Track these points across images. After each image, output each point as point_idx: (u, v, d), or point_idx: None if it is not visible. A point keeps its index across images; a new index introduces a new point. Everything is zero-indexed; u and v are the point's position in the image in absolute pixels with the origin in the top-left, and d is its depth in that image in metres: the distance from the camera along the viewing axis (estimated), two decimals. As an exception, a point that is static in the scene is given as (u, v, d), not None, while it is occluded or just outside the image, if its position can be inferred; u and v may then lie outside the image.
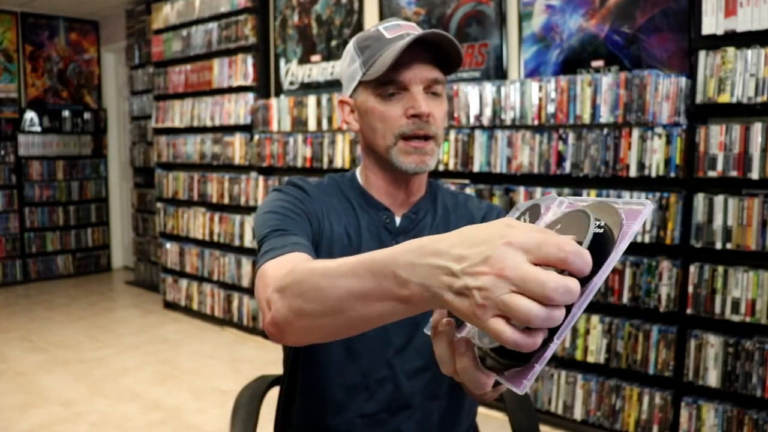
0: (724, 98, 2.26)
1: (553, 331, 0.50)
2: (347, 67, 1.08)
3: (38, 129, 5.98)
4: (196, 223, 4.62)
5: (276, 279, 0.76)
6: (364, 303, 0.60)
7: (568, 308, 0.49)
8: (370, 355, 1.04)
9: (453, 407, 1.11)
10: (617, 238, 0.51)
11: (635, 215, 0.53)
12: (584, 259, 0.47)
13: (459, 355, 0.55)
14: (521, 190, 2.83)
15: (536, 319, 0.46)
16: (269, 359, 3.75)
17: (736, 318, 2.28)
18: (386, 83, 1.01)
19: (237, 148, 4.26)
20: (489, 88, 2.91)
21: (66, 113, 6.18)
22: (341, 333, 0.69)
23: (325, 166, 3.67)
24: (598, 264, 0.50)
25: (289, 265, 0.79)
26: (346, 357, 1.04)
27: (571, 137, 2.67)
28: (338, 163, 3.62)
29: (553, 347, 0.49)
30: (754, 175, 2.22)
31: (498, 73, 3.07)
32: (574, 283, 0.46)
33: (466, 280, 0.49)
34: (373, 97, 1.03)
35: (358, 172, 1.15)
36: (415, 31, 1.03)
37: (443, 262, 0.51)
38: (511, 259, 0.47)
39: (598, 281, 0.50)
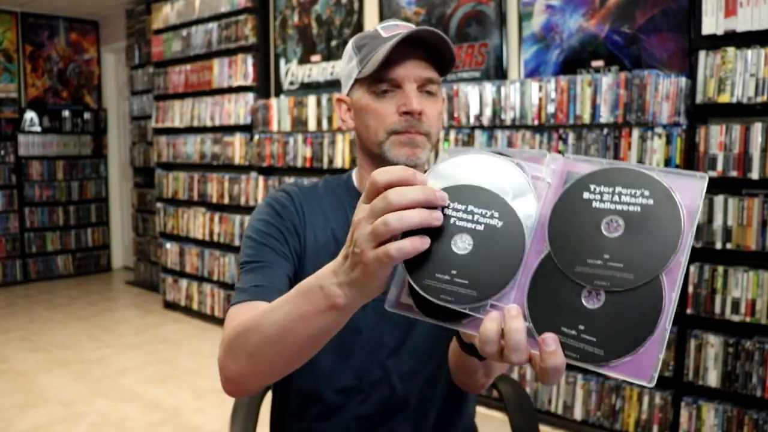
0: (724, 98, 2.26)
1: (656, 315, 0.49)
2: (345, 65, 1.08)
3: (38, 129, 5.98)
4: (196, 223, 4.61)
5: (224, 338, 0.83)
6: (301, 323, 0.68)
7: (659, 302, 0.49)
8: (363, 357, 1.03)
9: (449, 408, 1.10)
10: (683, 215, 0.50)
11: (689, 187, 0.50)
12: (404, 170, 0.57)
13: (549, 354, 0.53)
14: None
15: (406, 217, 0.54)
16: (269, 359, 3.74)
17: (736, 318, 2.28)
18: (380, 80, 1.00)
19: (237, 148, 4.26)
20: (489, 88, 2.91)
21: (66, 113, 6.18)
22: (293, 361, 0.75)
23: (325, 166, 3.67)
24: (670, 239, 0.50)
25: (241, 317, 0.84)
26: (338, 360, 1.03)
27: (571, 137, 2.66)
28: (338, 163, 3.61)
29: (666, 334, 0.50)
30: (754, 175, 2.22)
31: (498, 73, 3.07)
32: (416, 187, 0.55)
33: (348, 251, 0.60)
34: (367, 94, 1.02)
35: (354, 172, 1.14)
36: None
37: (342, 252, 0.62)
38: (358, 209, 0.59)
39: (682, 259, 0.50)
